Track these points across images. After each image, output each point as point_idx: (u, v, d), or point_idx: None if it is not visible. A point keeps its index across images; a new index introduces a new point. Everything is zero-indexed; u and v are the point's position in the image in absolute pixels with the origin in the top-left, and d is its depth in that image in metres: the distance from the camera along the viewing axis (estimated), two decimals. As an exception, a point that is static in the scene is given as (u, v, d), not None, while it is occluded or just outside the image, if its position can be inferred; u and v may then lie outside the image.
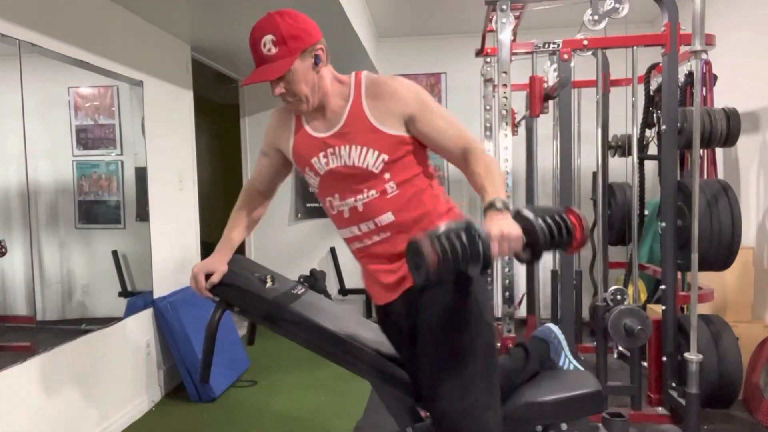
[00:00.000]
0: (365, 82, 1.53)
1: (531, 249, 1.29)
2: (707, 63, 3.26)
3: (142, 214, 3.35)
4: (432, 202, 1.58)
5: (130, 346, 3.21)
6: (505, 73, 2.73)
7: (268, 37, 1.47)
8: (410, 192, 1.54)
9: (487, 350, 1.52)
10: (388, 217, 1.52)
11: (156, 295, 3.46)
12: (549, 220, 1.31)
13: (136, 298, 3.29)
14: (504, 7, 2.72)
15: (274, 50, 1.47)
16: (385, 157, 1.49)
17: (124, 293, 3.19)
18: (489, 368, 1.52)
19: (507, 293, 2.85)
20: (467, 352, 1.50)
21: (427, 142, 1.54)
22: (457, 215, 1.63)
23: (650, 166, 3.94)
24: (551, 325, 1.95)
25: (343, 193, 1.55)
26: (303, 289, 1.80)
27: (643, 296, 3.87)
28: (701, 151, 3.23)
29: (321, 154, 1.55)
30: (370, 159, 1.49)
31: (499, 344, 3.00)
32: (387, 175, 1.51)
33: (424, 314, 1.53)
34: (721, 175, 3.75)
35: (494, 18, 3.09)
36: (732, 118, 2.97)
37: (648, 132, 3.27)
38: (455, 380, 1.48)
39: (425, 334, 1.53)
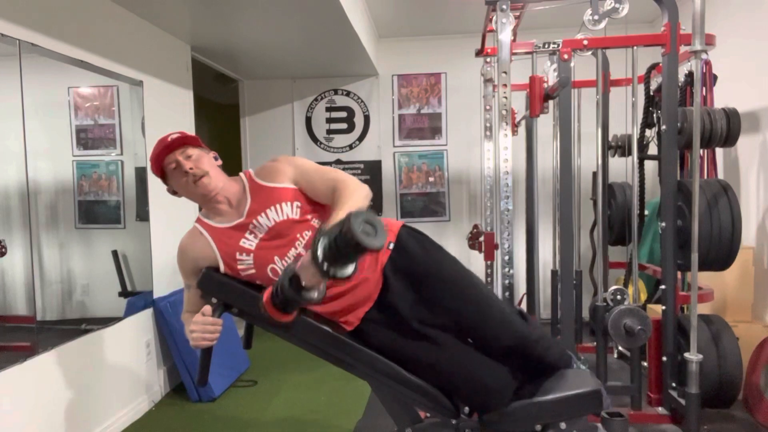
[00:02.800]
0: (254, 172, 1.78)
1: (326, 269, 1.32)
2: (707, 63, 3.26)
3: (142, 214, 3.35)
4: None
5: (130, 346, 3.21)
6: (505, 73, 2.73)
7: (175, 133, 1.74)
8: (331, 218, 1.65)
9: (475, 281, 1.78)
10: None
11: (156, 295, 3.46)
12: (332, 237, 1.30)
13: (136, 298, 3.29)
14: (504, 7, 2.72)
15: (183, 135, 1.74)
16: (298, 203, 1.69)
17: (124, 293, 3.19)
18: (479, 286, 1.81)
19: (507, 293, 2.85)
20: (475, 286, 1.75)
21: (309, 194, 1.73)
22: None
23: (650, 166, 3.94)
24: None
25: (281, 251, 1.67)
26: None
27: (643, 296, 3.87)
28: (701, 151, 3.23)
29: (246, 233, 1.69)
30: (287, 209, 1.68)
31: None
32: (309, 216, 1.69)
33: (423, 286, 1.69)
34: (721, 175, 3.75)
35: (494, 18, 3.09)
36: (732, 118, 2.97)
37: (648, 132, 3.27)
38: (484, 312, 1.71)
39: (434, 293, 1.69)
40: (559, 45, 2.89)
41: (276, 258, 1.66)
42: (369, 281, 1.67)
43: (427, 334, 1.66)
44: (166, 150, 1.71)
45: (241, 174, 1.80)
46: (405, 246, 1.72)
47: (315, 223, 1.68)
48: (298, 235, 1.66)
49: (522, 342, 1.74)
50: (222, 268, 1.70)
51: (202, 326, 1.61)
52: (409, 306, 1.67)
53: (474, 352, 1.71)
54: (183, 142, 1.72)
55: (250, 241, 1.68)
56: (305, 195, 1.73)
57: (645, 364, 3.04)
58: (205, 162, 1.73)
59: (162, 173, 1.75)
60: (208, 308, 1.63)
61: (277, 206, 1.67)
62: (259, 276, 1.69)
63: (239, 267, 1.68)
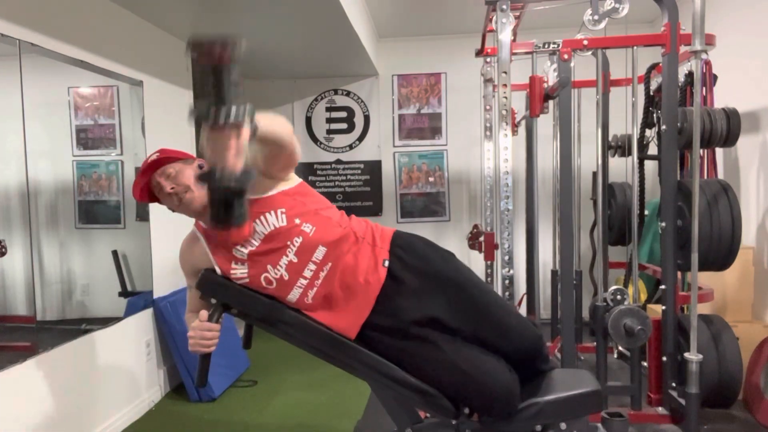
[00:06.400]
0: None
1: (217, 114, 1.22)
2: (707, 63, 3.26)
3: (142, 214, 3.35)
4: (341, 220, 1.71)
5: (130, 346, 3.21)
6: (505, 73, 2.73)
7: (155, 154, 1.70)
8: (323, 221, 1.65)
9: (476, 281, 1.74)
10: (321, 251, 1.63)
11: (156, 295, 3.46)
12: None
13: (136, 298, 3.29)
14: (504, 7, 2.72)
15: (160, 156, 1.69)
16: (282, 209, 1.62)
17: (124, 293, 3.19)
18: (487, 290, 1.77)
19: (507, 293, 2.85)
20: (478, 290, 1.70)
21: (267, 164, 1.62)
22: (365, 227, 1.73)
23: (650, 166, 3.94)
24: None
25: (272, 259, 1.63)
26: None
27: (643, 296, 3.87)
28: (701, 151, 3.23)
29: (237, 245, 1.64)
30: (272, 220, 1.62)
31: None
32: (297, 220, 1.63)
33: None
34: (721, 175, 3.75)
35: (494, 18, 3.09)
36: (732, 118, 2.97)
37: (648, 132, 3.27)
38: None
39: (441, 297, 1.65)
40: (559, 45, 2.89)
41: (269, 267, 1.63)
42: (368, 285, 1.63)
43: (435, 340, 1.62)
44: (145, 175, 1.69)
45: None
46: (414, 247, 1.70)
47: (306, 228, 1.63)
48: (289, 243, 1.62)
49: (536, 345, 1.75)
50: (219, 272, 1.69)
51: (200, 332, 1.61)
52: (416, 309, 1.62)
53: (484, 357, 1.66)
54: (159, 163, 1.68)
55: (241, 251, 1.65)
56: (289, 196, 1.66)
57: (645, 364, 3.04)
58: (187, 175, 1.68)
59: (152, 198, 1.75)
60: (204, 313, 1.63)
61: (262, 218, 1.62)
62: (253, 284, 1.66)
63: (233, 276, 1.67)
